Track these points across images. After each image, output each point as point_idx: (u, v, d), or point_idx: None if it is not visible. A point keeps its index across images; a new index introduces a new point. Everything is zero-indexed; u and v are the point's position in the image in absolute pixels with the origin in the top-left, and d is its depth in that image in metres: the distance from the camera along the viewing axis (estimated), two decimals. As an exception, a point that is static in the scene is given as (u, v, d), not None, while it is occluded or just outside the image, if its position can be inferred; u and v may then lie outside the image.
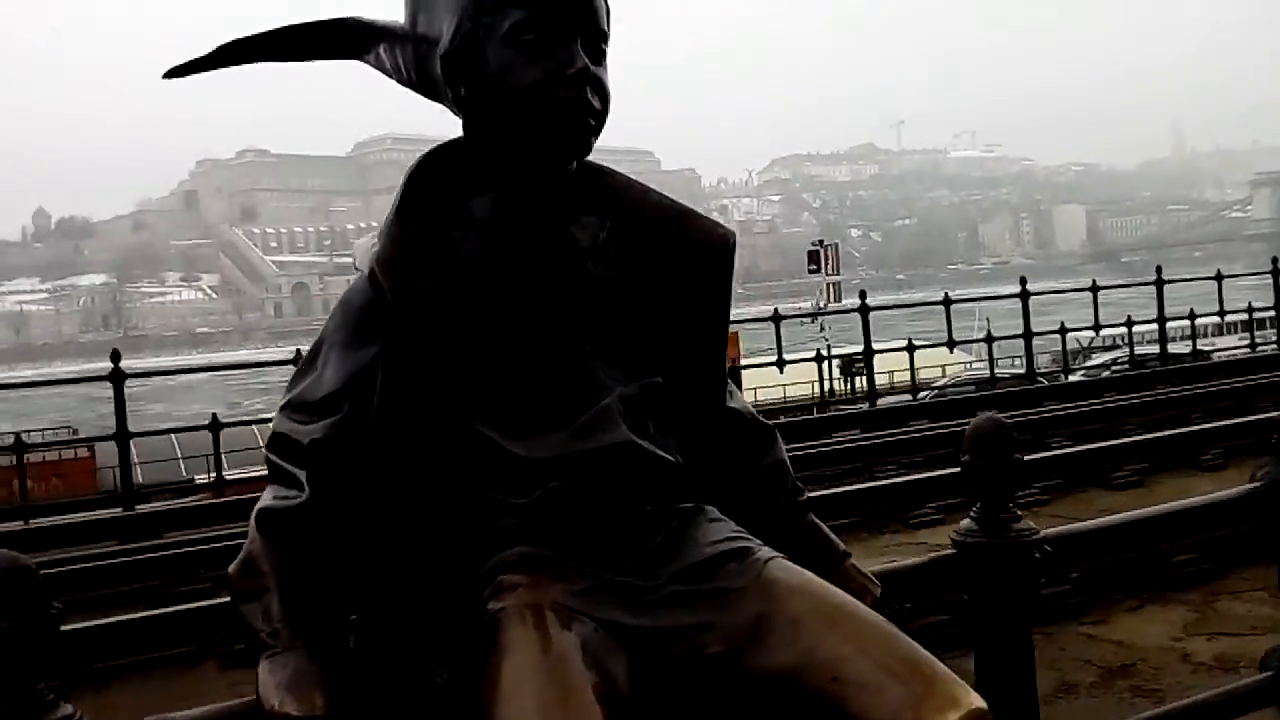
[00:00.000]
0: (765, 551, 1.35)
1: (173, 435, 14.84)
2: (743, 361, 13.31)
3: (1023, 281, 12.10)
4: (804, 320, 16.78)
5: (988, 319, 16.95)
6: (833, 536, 1.54)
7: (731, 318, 1.48)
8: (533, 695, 1.14)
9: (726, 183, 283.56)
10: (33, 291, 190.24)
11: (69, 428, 23.62)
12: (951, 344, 12.05)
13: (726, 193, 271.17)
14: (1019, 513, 1.94)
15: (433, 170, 1.37)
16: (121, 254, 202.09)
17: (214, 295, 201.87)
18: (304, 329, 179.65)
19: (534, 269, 1.35)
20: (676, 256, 1.42)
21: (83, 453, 17.25)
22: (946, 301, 11.78)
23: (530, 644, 1.19)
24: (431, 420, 1.31)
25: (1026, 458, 2.00)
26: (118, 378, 8.24)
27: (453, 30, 1.33)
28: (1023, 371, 12.77)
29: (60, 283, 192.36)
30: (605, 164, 1.46)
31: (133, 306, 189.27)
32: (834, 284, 24.44)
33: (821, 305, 20.73)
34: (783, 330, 11.11)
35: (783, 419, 12.41)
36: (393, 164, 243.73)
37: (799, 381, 15.69)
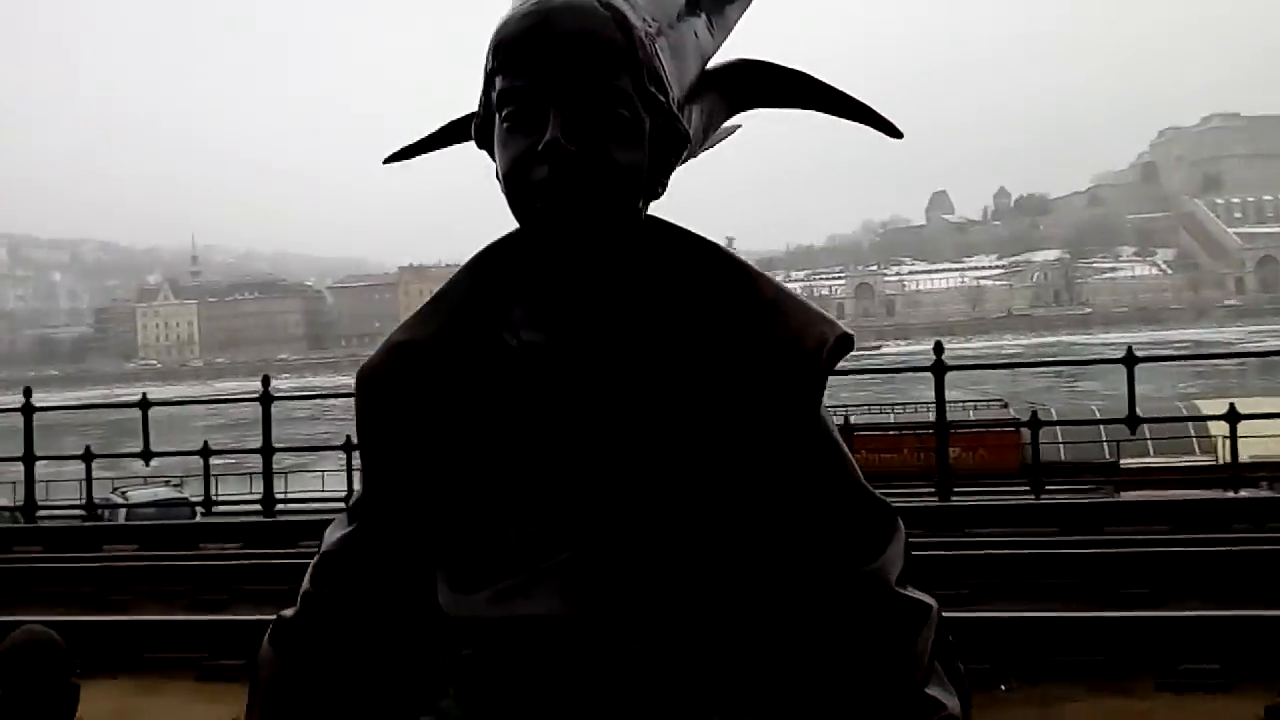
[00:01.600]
0: None
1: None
2: None
3: None
4: None
5: None
6: None
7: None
8: None
9: None
10: (990, 267, 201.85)
11: (1001, 401, 25.07)
12: None
13: None
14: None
15: (500, 258, 1.19)
16: (1075, 230, 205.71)
17: (1169, 271, 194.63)
18: (1271, 308, 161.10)
19: (553, 384, 1.13)
20: (757, 358, 1.11)
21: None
22: None
23: None
24: (392, 550, 1.19)
25: None
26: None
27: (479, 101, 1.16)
28: None
29: (1015, 258, 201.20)
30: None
31: (1083, 282, 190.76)
32: None
33: None
34: None
35: None
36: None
37: None
